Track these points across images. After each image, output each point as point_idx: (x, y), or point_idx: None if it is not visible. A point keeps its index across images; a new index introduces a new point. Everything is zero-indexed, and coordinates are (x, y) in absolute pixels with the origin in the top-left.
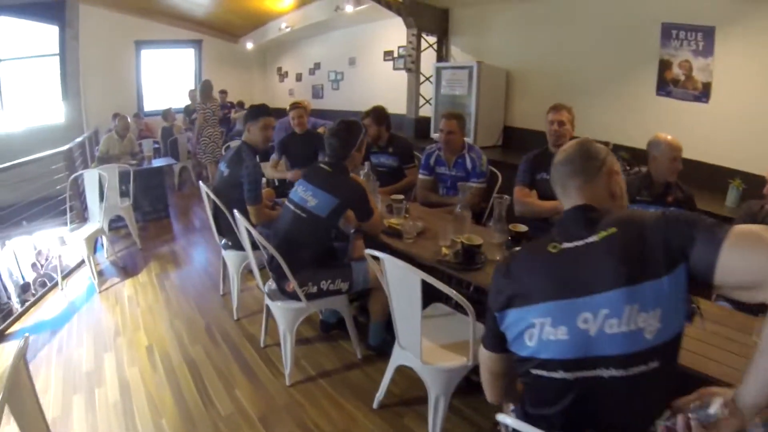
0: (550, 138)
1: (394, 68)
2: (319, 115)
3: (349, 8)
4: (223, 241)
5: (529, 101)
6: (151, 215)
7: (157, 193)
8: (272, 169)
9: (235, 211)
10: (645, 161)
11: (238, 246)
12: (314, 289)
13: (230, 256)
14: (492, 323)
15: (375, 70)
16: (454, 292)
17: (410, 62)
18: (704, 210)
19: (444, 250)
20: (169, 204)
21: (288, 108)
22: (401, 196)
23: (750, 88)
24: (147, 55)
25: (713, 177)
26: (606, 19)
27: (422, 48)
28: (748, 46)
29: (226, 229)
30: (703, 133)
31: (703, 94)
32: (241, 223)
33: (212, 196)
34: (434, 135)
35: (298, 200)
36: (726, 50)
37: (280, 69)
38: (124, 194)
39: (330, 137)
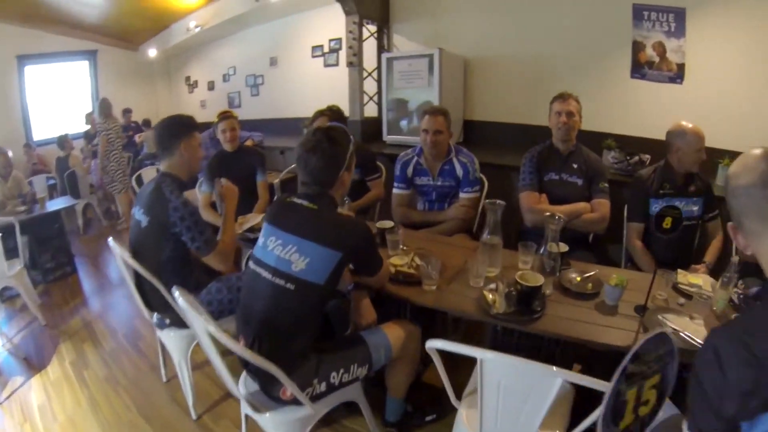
0: (556, 132)
1: (326, 65)
2: None
3: None
4: (157, 318)
5: (491, 92)
6: (54, 273)
7: (58, 243)
8: (207, 211)
9: (176, 290)
10: (636, 147)
11: (179, 323)
12: (322, 388)
13: (171, 338)
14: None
15: (302, 69)
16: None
17: (352, 55)
18: (719, 196)
19: (489, 297)
20: (75, 254)
21: (217, 119)
22: (390, 223)
23: (723, 68)
24: (33, 71)
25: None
26: (574, 1)
27: (363, 38)
28: (719, 27)
29: (157, 302)
30: (681, 114)
31: (678, 75)
32: (186, 303)
33: (131, 262)
34: (388, 138)
35: (274, 263)
36: (697, 31)
37: (188, 78)
38: (12, 254)
39: (307, 153)
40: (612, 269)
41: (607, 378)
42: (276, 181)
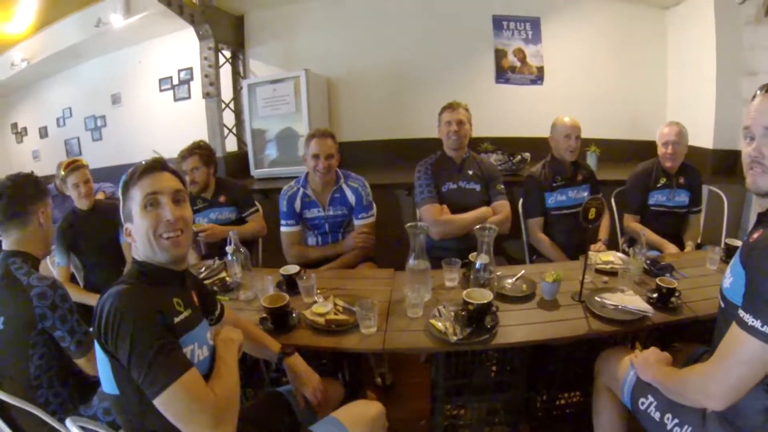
0: (448, 141)
1: (176, 98)
2: None
3: (116, 20)
4: None
5: (357, 110)
6: None
7: None
8: (70, 289)
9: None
10: (512, 147)
11: None
12: None
13: None
14: None
15: (150, 105)
16: None
17: (209, 84)
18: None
19: (438, 325)
20: None
21: (63, 171)
22: (295, 267)
23: (576, 67)
24: None
25: None
26: (435, 14)
27: (219, 65)
28: (570, 31)
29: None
30: (545, 112)
31: (539, 77)
32: None
33: None
34: (257, 172)
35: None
36: (552, 37)
37: (15, 125)
38: None
39: None
40: (528, 267)
41: None
42: None
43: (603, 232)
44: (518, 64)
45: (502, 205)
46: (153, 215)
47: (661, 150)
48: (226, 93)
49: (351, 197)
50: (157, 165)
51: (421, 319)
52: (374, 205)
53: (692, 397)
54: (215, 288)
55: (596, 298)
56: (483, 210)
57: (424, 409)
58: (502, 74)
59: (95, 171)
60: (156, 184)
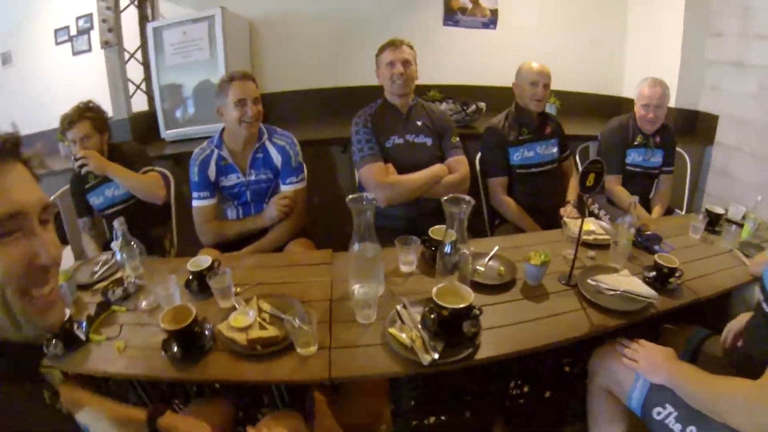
0: (391, 86)
1: (75, 52)
2: None
3: None
4: None
5: (284, 57)
6: None
7: None
8: None
9: None
10: (461, 96)
11: None
12: None
13: None
14: None
15: (46, 62)
16: None
17: (107, 31)
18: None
19: (402, 337)
20: None
21: None
22: (208, 258)
23: (531, 12)
24: None
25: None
26: None
27: (120, 8)
28: None
29: None
30: (496, 58)
31: (491, 20)
32: None
33: None
34: (168, 133)
35: None
36: None
37: None
38: None
39: None
40: (494, 240)
41: None
42: None
43: (571, 194)
44: (470, 5)
45: (459, 161)
46: None
47: (640, 111)
48: (131, 42)
49: (276, 158)
50: None
51: (376, 326)
52: (305, 168)
53: (731, 420)
54: (109, 294)
55: (589, 281)
56: (437, 168)
57: (384, 411)
58: (451, 16)
59: None
60: None
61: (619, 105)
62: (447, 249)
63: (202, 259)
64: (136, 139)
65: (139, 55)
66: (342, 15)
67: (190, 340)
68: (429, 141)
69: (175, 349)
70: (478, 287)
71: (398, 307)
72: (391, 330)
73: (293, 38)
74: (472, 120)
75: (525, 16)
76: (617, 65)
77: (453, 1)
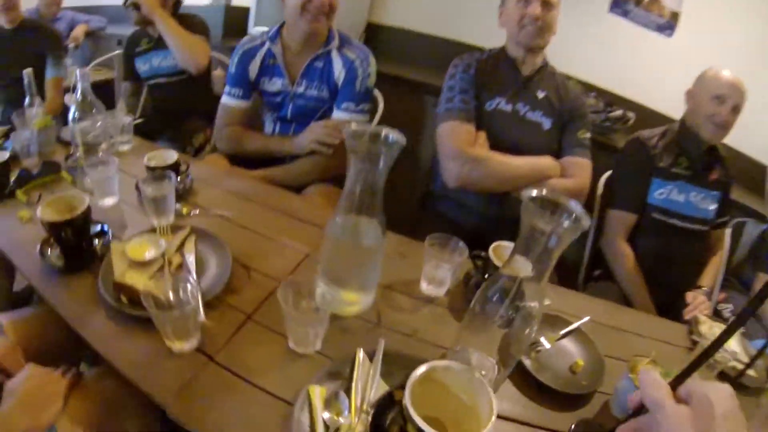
0: (518, 32)
1: None
2: None
3: None
4: None
5: None
6: None
7: None
8: None
9: None
10: (618, 101)
11: None
12: None
13: None
14: None
15: None
16: None
17: None
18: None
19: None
20: None
21: None
22: (172, 154)
23: (727, 25)
24: None
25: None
26: None
27: None
28: None
29: None
30: (663, 73)
31: (669, 25)
32: None
33: None
34: (254, 30)
35: None
36: None
37: None
38: None
39: None
40: (581, 300)
41: None
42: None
43: (709, 277)
44: None
45: (580, 165)
46: None
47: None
48: None
49: (340, 73)
50: None
51: (310, 364)
52: (377, 100)
53: None
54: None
55: None
56: (547, 161)
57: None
58: (622, 3)
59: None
60: None
61: None
62: (500, 285)
63: (167, 154)
64: (227, 31)
65: None
66: None
67: (76, 245)
68: (547, 123)
69: (56, 253)
70: (522, 379)
71: (342, 390)
72: (314, 391)
73: None
74: (613, 129)
75: (717, 32)
76: None
77: None
